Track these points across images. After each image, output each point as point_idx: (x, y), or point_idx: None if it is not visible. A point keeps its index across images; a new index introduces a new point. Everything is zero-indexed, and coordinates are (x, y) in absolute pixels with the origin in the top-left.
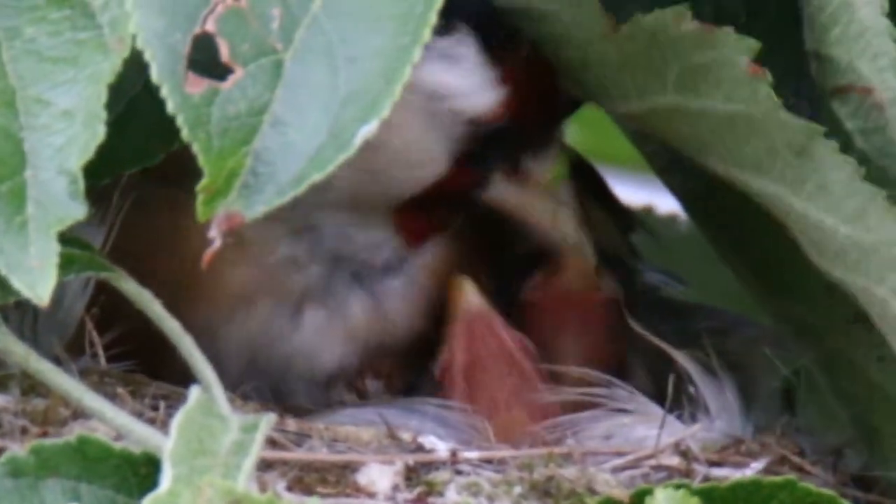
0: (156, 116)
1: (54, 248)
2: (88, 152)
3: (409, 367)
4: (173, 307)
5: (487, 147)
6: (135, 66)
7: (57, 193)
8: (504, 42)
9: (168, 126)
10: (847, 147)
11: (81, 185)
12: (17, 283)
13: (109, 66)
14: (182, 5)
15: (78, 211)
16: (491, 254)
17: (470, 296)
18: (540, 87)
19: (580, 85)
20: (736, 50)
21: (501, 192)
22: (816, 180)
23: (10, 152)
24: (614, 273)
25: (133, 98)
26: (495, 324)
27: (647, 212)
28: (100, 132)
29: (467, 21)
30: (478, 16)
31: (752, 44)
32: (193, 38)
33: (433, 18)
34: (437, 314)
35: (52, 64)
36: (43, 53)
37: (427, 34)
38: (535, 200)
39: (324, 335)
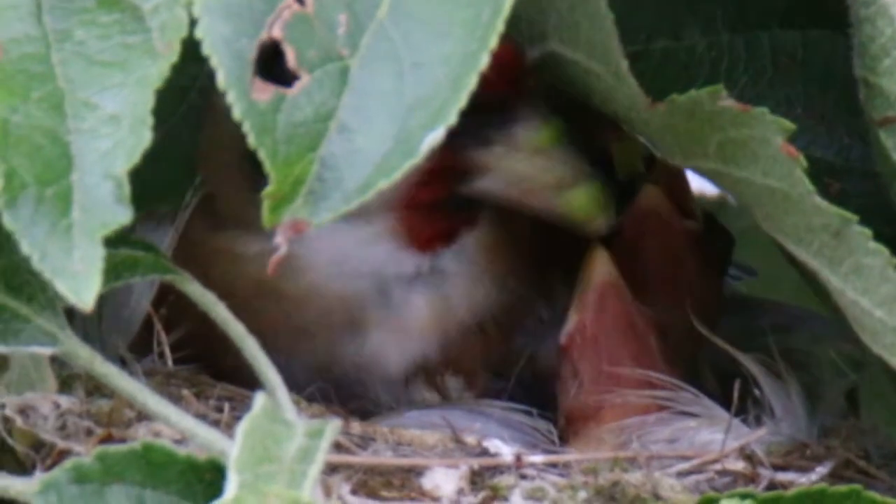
0: (192, 149)
1: (99, 253)
2: (134, 157)
3: (489, 366)
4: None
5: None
6: (174, 93)
7: (102, 198)
8: None
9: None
10: (895, 177)
11: (127, 189)
12: (62, 288)
13: (157, 71)
14: (248, 10)
15: (123, 216)
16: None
17: (603, 265)
18: (503, 56)
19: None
20: (771, 130)
21: (503, 162)
22: (851, 263)
23: (57, 156)
24: None
25: (170, 128)
26: (625, 296)
27: (721, 203)
28: (146, 137)
29: None
30: None
31: (786, 125)
32: (260, 44)
33: (501, 25)
34: (513, 297)
35: (101, 67)
36: (92, 57)
37: (494, 41)
38: (534, 166)
39: (388, 342)
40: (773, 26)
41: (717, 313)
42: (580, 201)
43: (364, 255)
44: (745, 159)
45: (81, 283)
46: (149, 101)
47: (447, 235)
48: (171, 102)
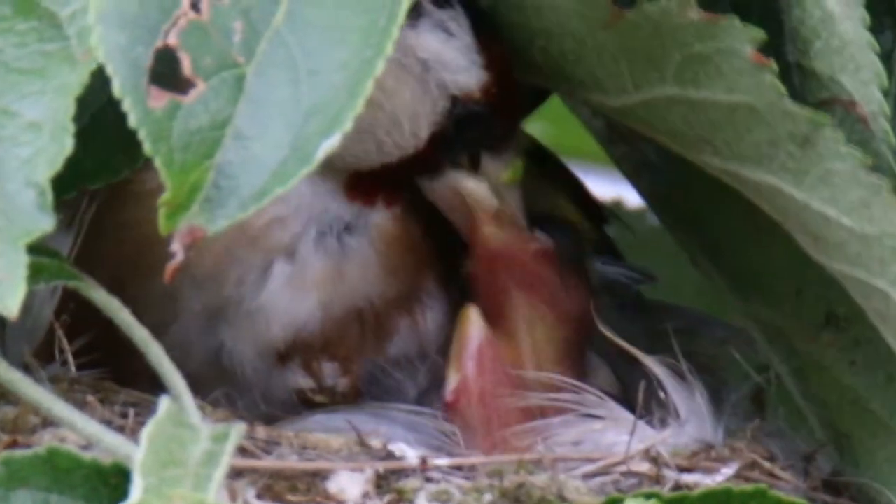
0: (120, 130)
1: (22, 261)
2: (56, 165)
3: (363, 356)
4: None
5: (457, 131)
6: (98, 79)
7: (24, 205)
8: (488, 30)
9: (132, 141)
10: None
11: (49, 197)
12: None
13: (77, 78)
14: (144, 19)
15: (46, 223)
16: (441, 232)
17: (475, 323)
18: (511, 82)
19: (571, 81)
20: (741, 39)
21: (454, 181)
22: (818, 171)
23: None
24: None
25: (96, 112)
26: (499, 350)
27: (616, 206)
28: (68, 145)
29: (459, 1)
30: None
31: (757, 33)
32: (155, 52)
33: (396, 32)
34: (396, 292)
35: (20, 75)
36: (10, 64)
37: (390, 48)
38: (484, 196)
39: (289, 290)
40: None
41: (589, 312)
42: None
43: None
44: (707, 77)
45: (6, 290)
46: (70, 108)
47: (370, 198)
48: (98, 86)
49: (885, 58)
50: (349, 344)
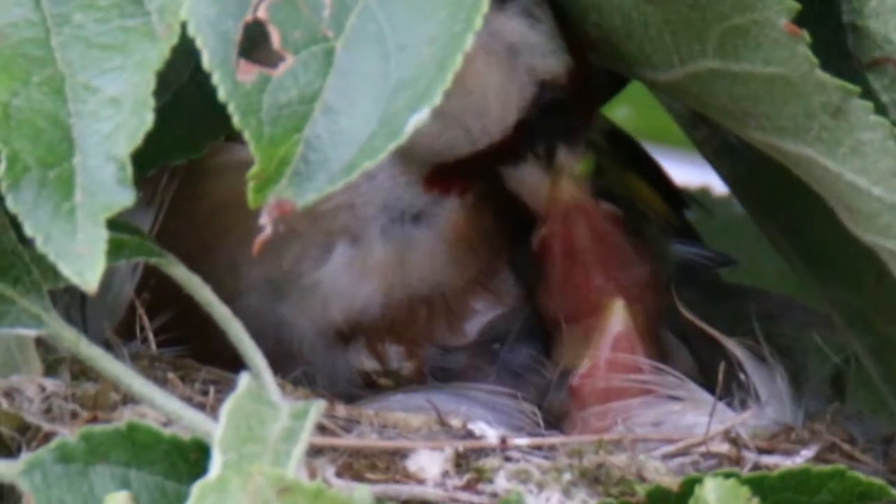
0: (201, 107)
1: (102, 235)
2: (136, 139)
3: (431, 340)
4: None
5: (540, 119)
6: (181, 55)
7: (105, 180)
8: (564, 14)
9: (213, 117)
10: None
11: (129, 171)
12: (66, 270)
13: (157, 54)
14: None
15: (126, 197)
16: (512, 222)
17: (619, 316)
18: (589, 68)
19: (624, 57)
20: (775, 12)
21: (528, 173)
22: (851, 142)
23: (59, 139)
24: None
25: (178, 89)
26: (637, 348)
27: (703, 193)
28: (147, 119)
29: None
30: None
31: (792, 5)
32: (245, 26)
33: (485, 7)
34: (465, 279)
35: (101, 50)
36: (91, 40)
37: (479, 22)
38: (556, 190)
39: (348, 272)
40: None
41: (659, 286)
42: None
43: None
44: (746, 49)
45: (86, 265)
46: (149, 83)
47: (446, 187)
48: (180, 62)
49: None
50: (416, 328)
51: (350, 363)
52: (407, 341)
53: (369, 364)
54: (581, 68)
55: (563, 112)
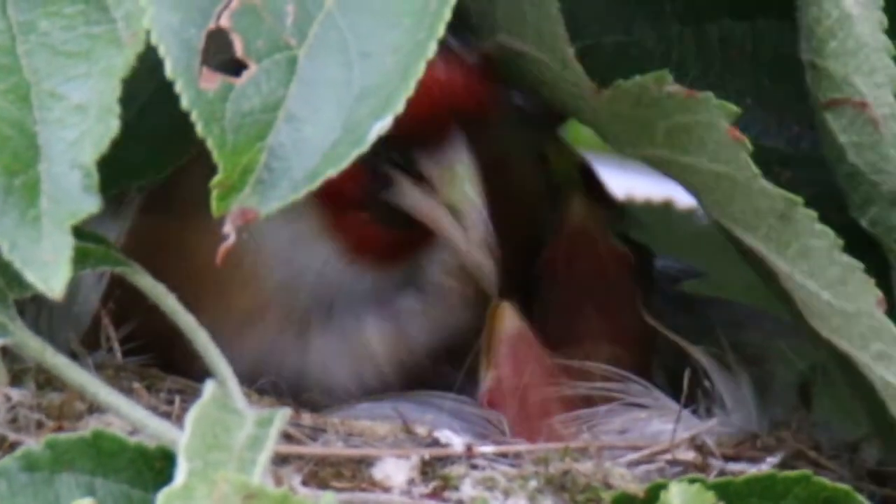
0: (164, 127)
1: (68, 242)
2: (102, 146)
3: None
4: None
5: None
6: (144, 73)
7: (70, 187)
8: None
9: (176, 138)
10: (840, 160)
11: (95, 179)
12: (31, 277)
13: (123, 61)
14: (196, 0)
15: (91, 205)
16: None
17: (510, 318)
18: (435, 88)
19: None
20: (717, 114)
21: (404, 195)
22: (798, 246)
23: (24, 146)
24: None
25: (141, 108)
26: (535, 344)
27: (666, 206)
28: (113, 126)
29: None
30: None
31: (731, 109)
32: (207, 34)
33: (448, 14)
34: (461, 333)
35: (66, 58)
36: (57, 47)
37: (442, 30)
38: (437, 207)
39: (332, 358)
40: (723, 17)
41: (650, 333)
42: None
43: (305, 253)
44: (691, 145)
45: (51, 272)
46: (115, 90)
47: (390, 250)
48: (142, 82)
49: None
50: (423, 381)
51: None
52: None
53: None
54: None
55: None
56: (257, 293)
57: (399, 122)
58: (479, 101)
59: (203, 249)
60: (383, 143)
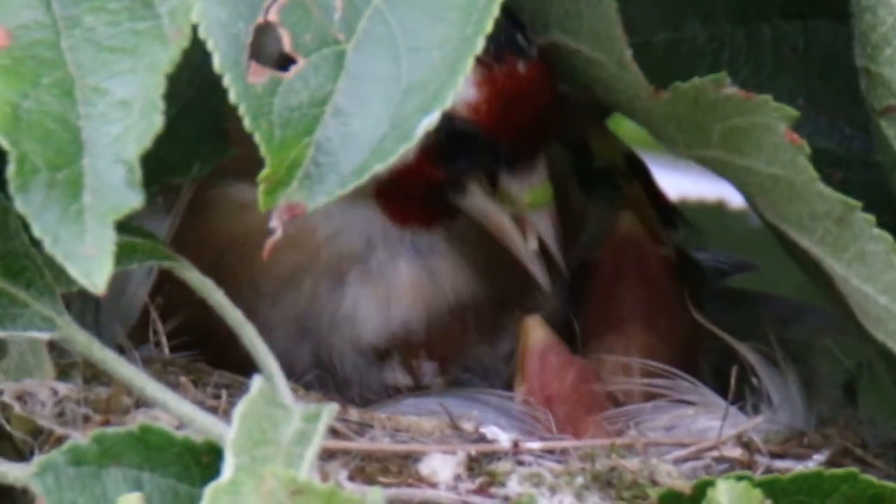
0: (205, 126)
1: (110, 237)
2: (145, 142)
3: (464, 356)
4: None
5: (458, 149)
6: (186, 72)
7: (113, 182)
8: (502, 50)
9: (216, 137)
10: (894, 166)
11: (138, 174)
12: (74, 272)
13: (167, 57)
14: None
15: (134, 200)
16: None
17: (537, 331)
18: (517, 104)
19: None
20: (775, 117)
21: (474, 202)
22: (855, 249)
23: (68, 141)
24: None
25: (183, 106)
26: (566, 354)
27: (719, 207)
28: (157, 122)
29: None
30: None
31: (790, 112)
32: (256, 28)
33: (496, 10)
34: (491, 301)
35: (111, 53)
36: (102, 43)
37: (490, 25)
38: (506, 220)
39: (363, 303)
40: (775, 17)
41: (697, 340)
42: None
43: (350, 215)
44: (748, 147)
45: (94, 267)
46: (159, 86)
47: (434, 220)
48: (186, 78)
49: None
50: (450, 344)
51: (384, 379)
52: (440, 358)
53: (403, 380)
54: (496, 103)
55: (477, 143)
56: (301, 252)
57: (497, 135)
58: (556, 112)
59: (249, 213)
60: (473, 152)
